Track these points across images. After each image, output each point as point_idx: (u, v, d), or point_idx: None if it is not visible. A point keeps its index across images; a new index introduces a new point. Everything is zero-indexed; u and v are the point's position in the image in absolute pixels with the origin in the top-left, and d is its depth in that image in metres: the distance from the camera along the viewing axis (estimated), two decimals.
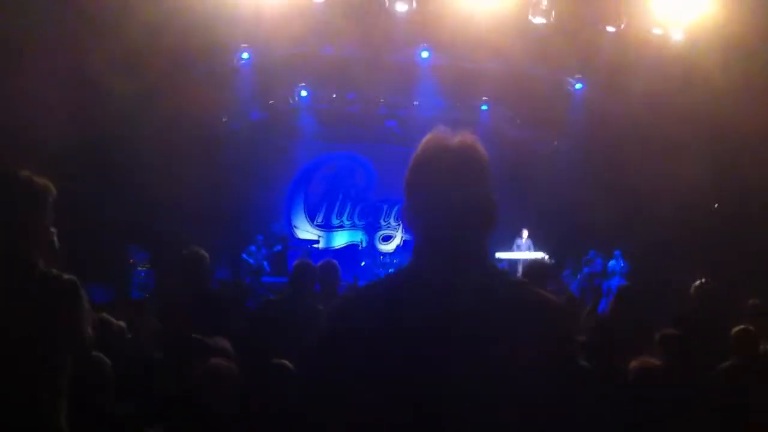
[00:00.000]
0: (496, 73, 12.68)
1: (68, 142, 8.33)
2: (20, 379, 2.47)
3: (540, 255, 13.66)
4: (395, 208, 16.30)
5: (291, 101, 15.01)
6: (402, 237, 16.08)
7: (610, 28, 11.19)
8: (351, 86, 14.57)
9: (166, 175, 10.05)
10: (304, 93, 14.78)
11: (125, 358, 3.84)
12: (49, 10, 8.39)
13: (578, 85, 13.76)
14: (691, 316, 5.11)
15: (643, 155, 11.44)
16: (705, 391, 4.19)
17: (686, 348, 4.30)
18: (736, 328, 4.73)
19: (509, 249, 14.27)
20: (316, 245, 15.38)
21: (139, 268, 11.78)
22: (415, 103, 14.98)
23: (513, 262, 13.68)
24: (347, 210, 16.42)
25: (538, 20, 10.97)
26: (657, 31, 11.12)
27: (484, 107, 15.45)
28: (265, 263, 13.55)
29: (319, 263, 5.49)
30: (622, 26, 11.12)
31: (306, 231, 16.11)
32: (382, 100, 15.32)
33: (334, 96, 15.04)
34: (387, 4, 11.00)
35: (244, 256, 13.38)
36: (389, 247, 16.32)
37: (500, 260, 13.67)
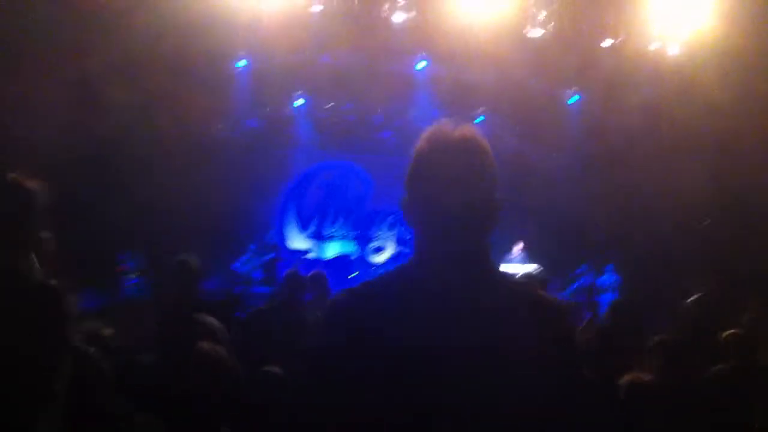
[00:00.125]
0: (493, 85, 12.69)
1: (62, 149, 8.29)
2: None
3: (533, 267, 13.61)
4: (388, 219, 16.23)
5: (287, 110, 14.97)
6: (394, 248, 16.01)
7: (608, 42, 11.23)
8: (348, 95, 14.54)
9: (160, 183, 10.01)
10: (300, 101, 14.74)
11: (115, 366, 3.79)
12: (43, 15, 8.36)
13: (575, 97, 13.77)
14: (687, 331, 5.09)
15: (640, 168, 11.45)
16: (697, 399, 4.16)
17: (681, 353, 4.27)
18: (727, 332, 4.72)
19: (504, 261, 14.22)
20: (307, 255, 15.30)
21: (130, 276, 11.70)
22: (411, 113, 14.95)
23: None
24: (339, 220, 16.34)
25: (535, 33, 10.99)
26: (654, 44, 11.16)
27: (480, 118, 15.44)
28: (257, 272, 13.47)
29: (309, 273, 5.47)
30: (620, 40, 11.15)
31: (297, 240, 16.04)
32: (378, 110, 15.29)
33: (331, 105, 15.01)
34: (385, 14, 11.01)
35: (236, 265, 13.31)
36: (381, 258, 16.23)
37: None
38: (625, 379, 3.92)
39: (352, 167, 16.46)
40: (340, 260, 15.65)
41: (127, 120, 9.83)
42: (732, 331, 4.74)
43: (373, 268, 15.37)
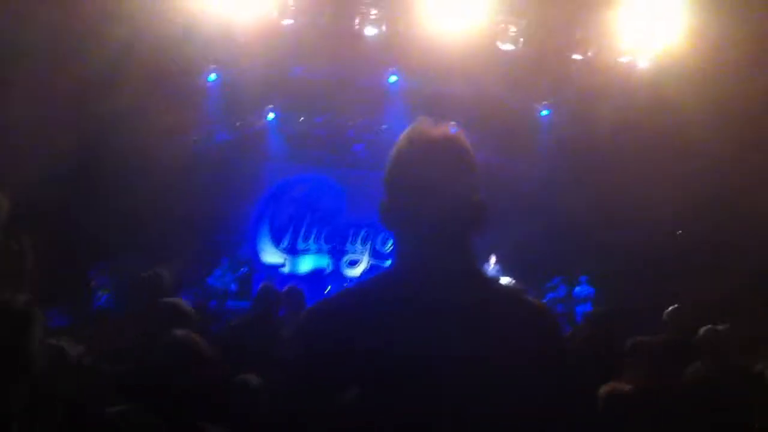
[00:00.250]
0: (465, 98, 12.72)
1: (32, 161, 8.15)
2: None
3: (506, 280, 13.62)
4: (362, 232, 16.17)
5: (258, 123, 14.89)
6: (369, 262, 15.96)
7: (578, 56, 11.32)
8: (319, 109, 14.50)
9: (131, 197, 9.88)
10: (271, 115, 14.66)
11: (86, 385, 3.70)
12: (12, 28, 8.24)
13: (546, 111, 13.86)
14: (665, 341, 5.08)
15: (611, 180, 11.54)
16: (677, 404, 4.14)
17: (662, 358, 4.25)
18: (703, 329, 4.72)
19: None
20: (281, 269, 15.21)
21: (100, 292, 11.54)
22: (383, 126, 14.94)
23: None
24: (313, 234, 16.24)
25: (507, 47, 11.04)
26: (624, 58, 11.27)
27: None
28: (231, 287, 13.36)
29: (284, 289, 5.41)
30: (590, 54, 11.25)
31: (271, 255, 15.92)
32: (350, 123, 15.26)
33: (302, 119, 14.96)
34: (356, 27, 11.00)
35: (210, 279, 13.18)
36: (356, 272, 16.16)
37: None
38: (604, 389, 3.89)
39: (324, 180, 16.39)
40: (315, 274, 15.58)
41: (97, 134, 9.71)
42: (706, 327, 4.72)
43: (348, 281, 15.32)
